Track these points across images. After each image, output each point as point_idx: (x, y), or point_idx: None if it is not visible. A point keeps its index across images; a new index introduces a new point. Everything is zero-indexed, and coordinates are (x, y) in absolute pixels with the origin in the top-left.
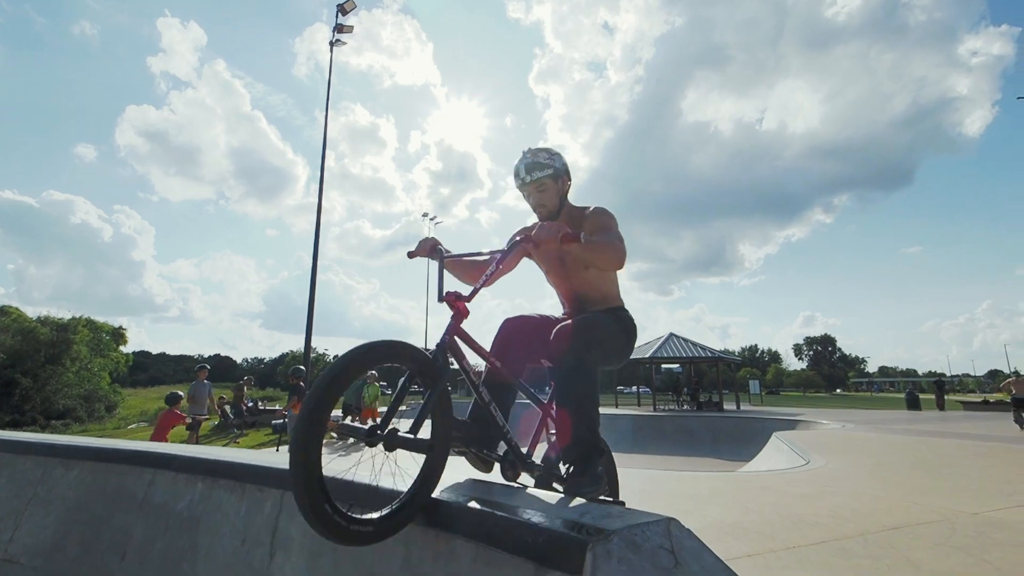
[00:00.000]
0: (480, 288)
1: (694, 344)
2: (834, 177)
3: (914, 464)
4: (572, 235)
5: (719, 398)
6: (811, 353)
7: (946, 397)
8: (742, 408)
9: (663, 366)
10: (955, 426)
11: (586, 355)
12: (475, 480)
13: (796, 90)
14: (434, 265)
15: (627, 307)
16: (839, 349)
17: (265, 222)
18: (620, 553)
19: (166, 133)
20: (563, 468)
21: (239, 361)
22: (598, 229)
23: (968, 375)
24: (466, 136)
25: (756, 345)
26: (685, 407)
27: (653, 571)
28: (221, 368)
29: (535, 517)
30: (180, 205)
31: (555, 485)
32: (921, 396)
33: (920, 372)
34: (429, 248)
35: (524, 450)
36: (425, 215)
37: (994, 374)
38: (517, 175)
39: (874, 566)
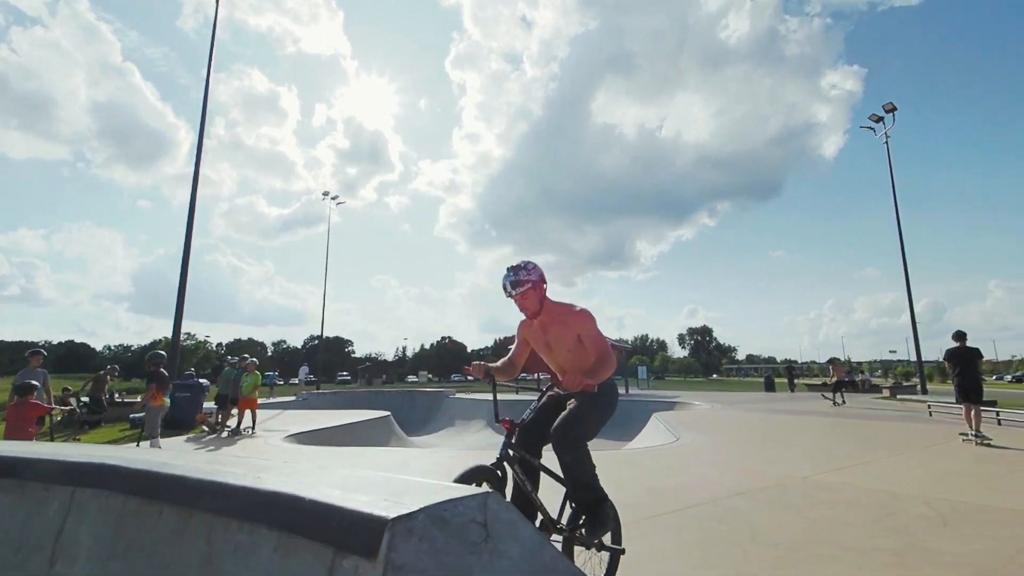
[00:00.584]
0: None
1: None
2: (719, 185)
3: (763, 438)
4: (588, 385)
5: None
6: (692, 342)
7: (796, 381)
8: (631, 392)
9: None
10: (798, 405)
11: (575, 452)
12: (286, 466)
13: (692, 103)
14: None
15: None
16: (715, 339)
17: (137, 192)
18: (423, 531)
19: (5, 77)
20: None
21: (99, 349)
22: (591, 341)
23: (814, 362)
24: (377, 115)
25: (647, 335)
26: None
27: (460, 546)
28: (75, 357)
29: (340, 501)
30: (24, 165)
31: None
32: (777, 380)
33: (778, 359)
34: (484, 372)
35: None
36: (326, 194)
37: (833, 361)
38: (504, 289)
39: (718, 528)
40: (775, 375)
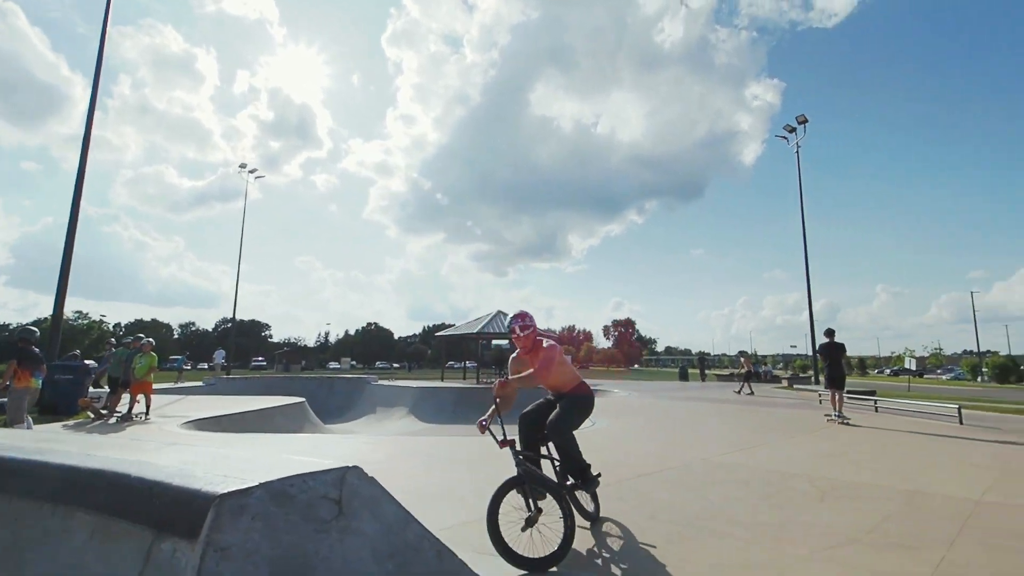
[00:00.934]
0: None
1: None
2: (648, 184)
3: (673, 423)
4: (506, 383)
5: None
6: (616, 334)
7: (707, 371)
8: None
9: (493, 342)
10: (707, 393)
11: (566, 438)
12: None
13: (627, 102)
14: None
15: (583, 380)
16: (638, 331)
17: (20, 152)
18: (259, 508)
19: None
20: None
21: None
22: (540, 361)
23: (725, 354)
24: (306, 87)
25: (574, 325)
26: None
27: (304, 524)
28: None
29: (170, 477)
30: None
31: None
32: (691, 370)
33: (693, 351)
34: (493, 416)
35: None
36: (244, 167)
37: (743, 353)
38: (513, 331)
39: (619, 506)
40: (689, 366)
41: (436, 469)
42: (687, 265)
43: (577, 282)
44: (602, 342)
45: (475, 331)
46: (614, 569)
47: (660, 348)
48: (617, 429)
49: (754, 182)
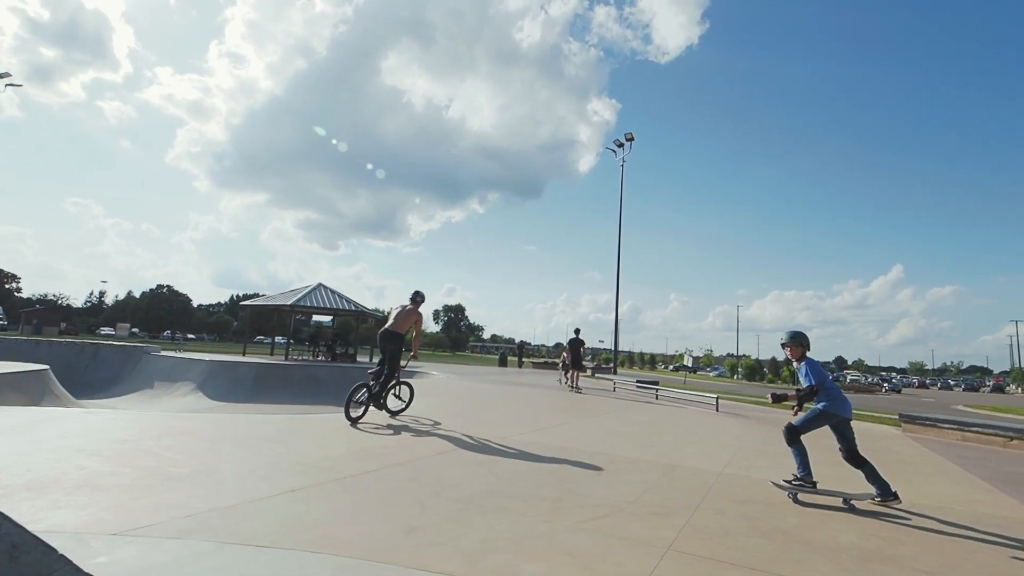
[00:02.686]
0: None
1: (341, 296)
2: (492, 177)
3: (482, 404)
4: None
5: (355, 351)
6: (446, 319)
7: (524, 359)
8: (374, 361)
9: (314, 318)
10: (521, 378)
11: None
12: None
13: (480, 92)
14: None
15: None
16: (467, 318)
17: None
18: None
19: None
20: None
21: None
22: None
23: (543, 345)
24: None
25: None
26: (320, 358)
27: None
28: None
29: None
30: None
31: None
32: (511, 358)
33: (516, 340)
34: None
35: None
36: None
37: (558, 345)
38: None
39: (408, 485)
40: (509, 353)
41: (201, 449)
42: (519, 259)
43: (413, 264)
44: (432, 326)
45: (290, 303)
46: (378, 548)
47: (487, 335)
48: (425, 408)
49: (585, 189)
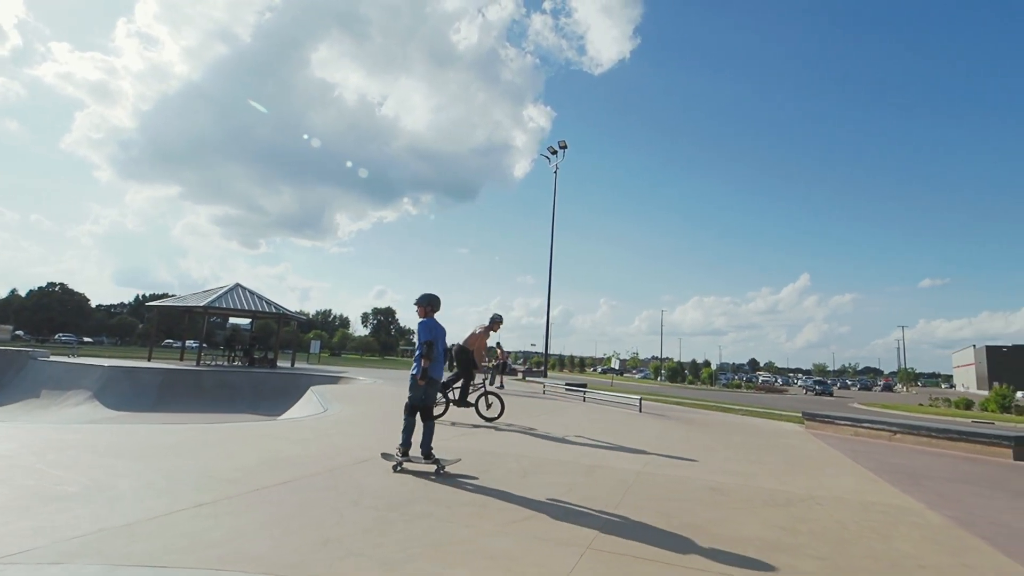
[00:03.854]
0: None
1: (260, 297)
2: (426, 177)
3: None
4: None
5: (275, 355)
6: (375, 322)
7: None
8: (296, 366)
9: (230, 320)
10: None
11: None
12: None
13: (414, 91)
14: None
15: None
16: (397, 321)
17: None
18: None
19: None
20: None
21: None
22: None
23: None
24: None
25: (331, 310)
26: (236, 363)
27: None
28: None
29: None
30: None
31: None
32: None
33: (448, 344)
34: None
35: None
36: None
37: (498, 345)
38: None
39: (326, 495)
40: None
41: (93, 464)
42: (452, 261)
43: (341, 265)
44: (360, 329)
45: (203, 304)
46: (290, 562)
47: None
48: (351, 415)
49: (520, 194)
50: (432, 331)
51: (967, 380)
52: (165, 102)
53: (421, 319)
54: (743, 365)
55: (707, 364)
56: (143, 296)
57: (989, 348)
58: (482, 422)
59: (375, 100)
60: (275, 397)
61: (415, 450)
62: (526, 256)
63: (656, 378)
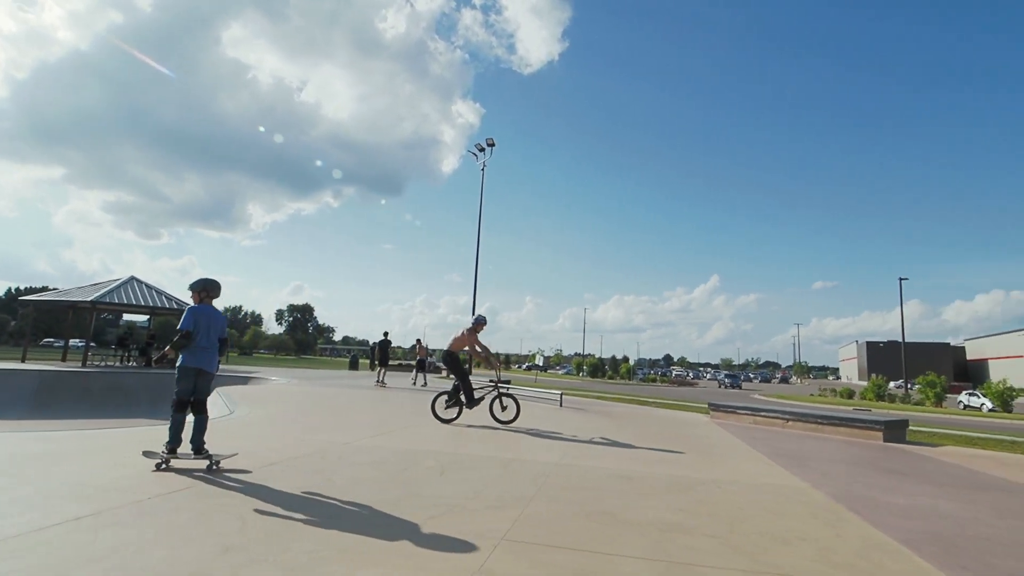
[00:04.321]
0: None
1: (160, 292)
2: (348, 169)
3: (325, 409)
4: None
5: (176, 355)
6: (291, 319)
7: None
8: None
9: (125, 317)
10: (373, 381)
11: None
12: None
13: (337, 79)
14: None
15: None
16: (315, 318)
17: None
18: None
19: None
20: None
21: None
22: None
23: (400, 347)
24: None
25: (241, 306)
26: (132, 363)
27: None
28: None
29: None
30: None
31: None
32: (363, 360)
33: (371, 342)
34: None
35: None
36: None
37: (419, 341)
38: (484, 323)
39: (227, 502)
40: (362, 355)
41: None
42: (376, 257)
43: (254, 258)
44: (274, 327)
45: (91, 298)
46: (186, 572)
47: (338, 337)
48: (260, 417)
49: (448, 191)
50: (196, 318)
51: (850, 372)
52: (45, 71)
53: (191, 305)
54: (659, 360)
55: (626, 360)
56: (16, 289)
57: (868, 344)
58: (499, 422)
59: (294, 85)
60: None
61: (185, 447)
62: (453, 253)
63: (578, 374)
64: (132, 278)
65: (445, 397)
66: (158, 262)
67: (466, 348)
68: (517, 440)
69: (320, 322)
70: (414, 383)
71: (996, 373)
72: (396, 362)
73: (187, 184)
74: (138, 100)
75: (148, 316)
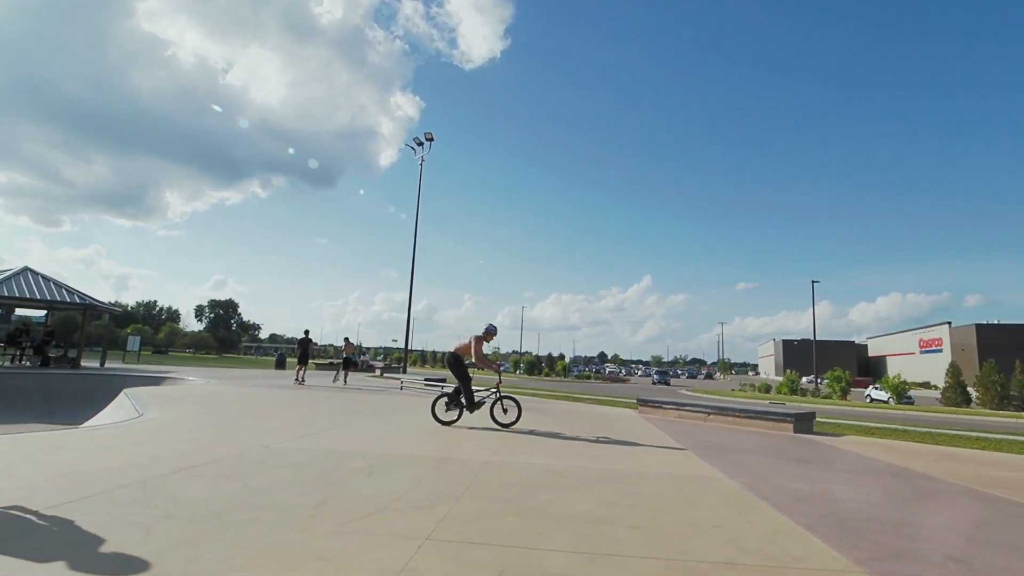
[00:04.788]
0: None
1: (59, 285)
2: (277, 159)
3: (246, 411)
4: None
5: (78, 354)
6: (212, 316)
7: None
8: (108, 366)
9: (16, 311)
10: (307, 381)
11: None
12: None
13: (268, 62)
14: None
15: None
16: (240, 315)
17: None
18: None
19: None
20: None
21: None
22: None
23: (332, 345)
24: None
25: (156, 301)
26: (26, 362)
27: None
28: None
29: None
30: None
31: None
32: (290, 359)
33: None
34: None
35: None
36: None
37: (347, 339)
38: (495, 333)
39: (130, 510)
40: (289, 354)
41: None
42: (307, 252)
43: (170, 249)
44: (193, 324)
45: None
46: None
47: (265, 335)
48: (173, 420)
49: (385, 184)
50: None
51: (768, 368)
52: None
53: None
54: (593, 358)
55: (562, 357)
56: None
57: (784, 342)
58: (500, 424)
59: (218, 67)
60: (77, 403)
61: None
62: (390, 249)
63: (516, 371)
64: (26, 269)
65: (446, 400)
66: (58, 252)
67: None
68: (452, 439)
69: (245, 319)
70: (334, 381)
71: (893, 368)
72: (328, 361)
73: (94, 167)
74: (36, 72)
75: (46, 311)
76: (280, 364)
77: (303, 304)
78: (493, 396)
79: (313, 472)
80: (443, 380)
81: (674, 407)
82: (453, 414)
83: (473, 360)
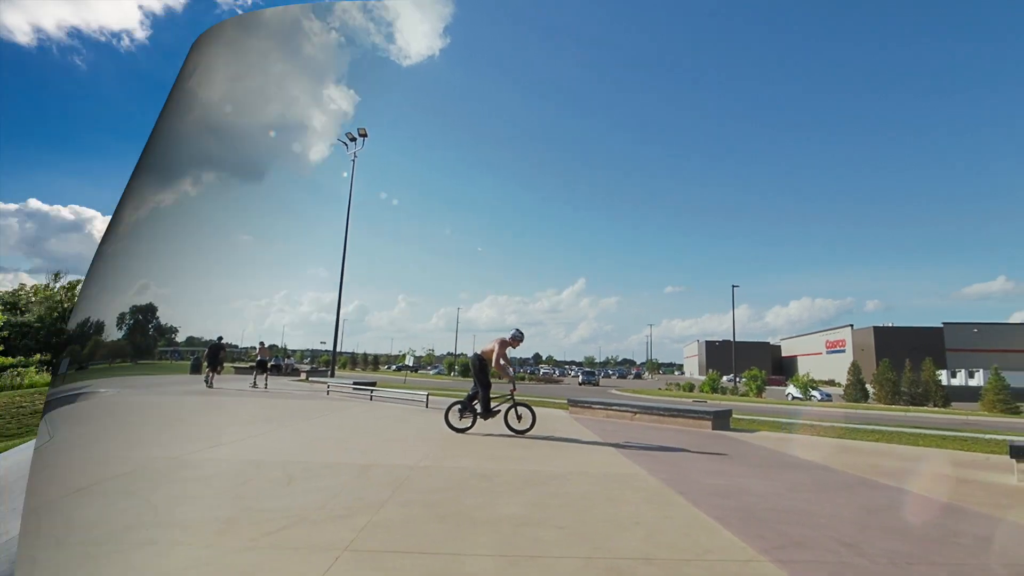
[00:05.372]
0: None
1: None
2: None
3: (153, 420)
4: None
5: None
6: (131, 322)
7: (226, 363)
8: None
9: None
10: (217, 386)
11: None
12: None
13: None
14: None
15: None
16: (157, 319)
17: None
18: None
19: None
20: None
21: None
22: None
23: (253, 347)
24: None
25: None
26: None
27: None
28: None
29: None
30: None
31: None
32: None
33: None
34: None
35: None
36: None
37: (262, 343)
38: (521, 338)
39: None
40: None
41: None
42: (231, 249)
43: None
44: (115, 333)
45: None
46: None
47: (182, 338)
48: (70, 438)
49: (315, 180)
50: None
51: (692, 368)
52: None
53: None
54: (528, 359)
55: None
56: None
57: (708, 342)
58: (514, 431)
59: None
60: None
61: None
62: (320, 248)
63: (450, 374)
64: None
65: (459, 407)
66: None
67: (496, 356)
68: (378, 445)
69: (163, 322)
70: (253, 385)
71: (803, 367)
72: (249, 364)
73: None
74: None
75: None
76: (195, 368)
77: (224, 304)
78: (508, 403)
79: (224, 484)
80: (373, 384)
81: (603, 407)
82: (467, 421)
83: (492, 364)
